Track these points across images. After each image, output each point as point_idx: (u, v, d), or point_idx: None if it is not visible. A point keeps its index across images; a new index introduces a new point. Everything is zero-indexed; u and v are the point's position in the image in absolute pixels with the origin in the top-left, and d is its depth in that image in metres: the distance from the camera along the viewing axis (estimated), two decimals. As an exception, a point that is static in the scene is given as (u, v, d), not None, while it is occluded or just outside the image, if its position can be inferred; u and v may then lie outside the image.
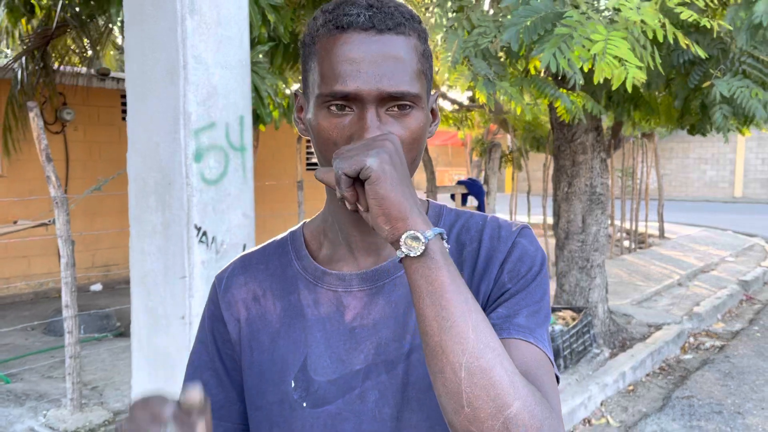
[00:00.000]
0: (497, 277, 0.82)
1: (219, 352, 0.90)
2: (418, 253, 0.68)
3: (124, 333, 5.42)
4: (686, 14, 2.33)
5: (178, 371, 2.39)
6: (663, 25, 2.35)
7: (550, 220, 6.80)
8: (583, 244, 5.25)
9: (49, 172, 3.67)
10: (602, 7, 2.42)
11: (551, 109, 4.82)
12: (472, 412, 0.66)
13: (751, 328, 6.27)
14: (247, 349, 0.87)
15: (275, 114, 3.86)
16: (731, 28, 3.07)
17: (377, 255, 0.86)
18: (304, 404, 0.82)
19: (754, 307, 7.15)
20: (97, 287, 7.40)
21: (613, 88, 2.48)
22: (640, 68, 2.45)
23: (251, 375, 0.87)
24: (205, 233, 2.39)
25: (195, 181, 2.35)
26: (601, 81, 2.61)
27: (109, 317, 5.63)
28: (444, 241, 0.71)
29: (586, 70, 2.66)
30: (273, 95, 3.70)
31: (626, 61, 2.34)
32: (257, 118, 3.71)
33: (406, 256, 0.69)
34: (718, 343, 5.78)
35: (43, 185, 3.74)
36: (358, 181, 0.70)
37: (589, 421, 4.12)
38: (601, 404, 4.36)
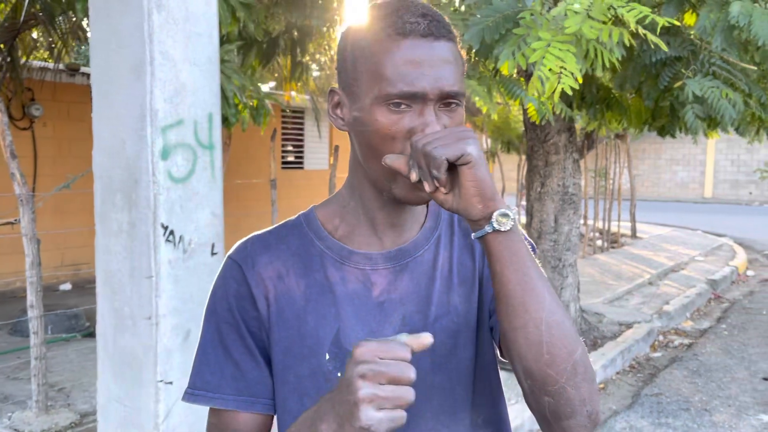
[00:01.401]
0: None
1: (249, 330, 0.93)
2: (508, 228, 0.79)
3: (93, 333, 5.32)
4: (634, 13, 2.31)
5: (144, 372, 2.35)
6: (611, 31, 2.34)
7: (523, 219, 6.85)
8: (555, 243, 5.29)
9: (13, 169, 3.58)
10: (552, 13, 2.40)
11: (524, 109, 4.85)
12: (550, 358, 0.78)
13: (719, 327, 6.39)
14: (275, 326, 0.91)
15: (244, 114, 3.82)
16: (691, 30, 3.09)
17: (399, 237, 0.94)
18: (339, 374, 0.88)
19: (722, 305, 7.28)
20: (66, 286, 7.26)
21: (545, 96, 2.49)
22: (594, 70, 2.46)
23: (278, 351, 0.91)
24: (172, 232, 2.35)
25: (162, 180, 2.31)
26: (535, 93, 2.62)
27: (77, 317, 5.53)
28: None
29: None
30: (240, 95, 3.66)
31: (564, 68, 2.31)
32: (223, 120, 3.66)
33: (495, 230, 0.79)
34: (686, 341, 5.87)
35: (9, 182, 3.66)
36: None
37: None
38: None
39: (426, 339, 0.80)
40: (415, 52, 0.83)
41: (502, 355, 0.93)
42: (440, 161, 0.77)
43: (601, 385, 4.72)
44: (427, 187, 0.80)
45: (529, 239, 0.95)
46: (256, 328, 0.93)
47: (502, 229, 0.79)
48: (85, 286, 7.16)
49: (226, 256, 0.97)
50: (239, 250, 0.96)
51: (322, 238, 0.95)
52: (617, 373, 5.00)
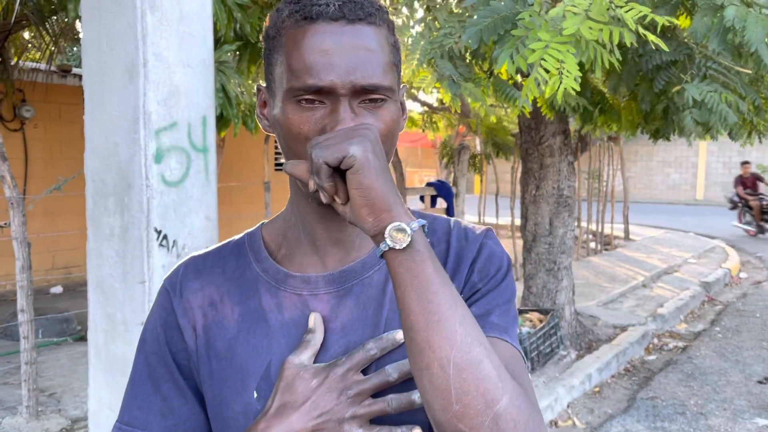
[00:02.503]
0: (467, 277, 0.82)
1: (177, 363, 0.84)
2: (404, 245, 0.67)
3: (84, 337, 5.27)
4: (633, 13, 2.29)
5: (136, 379, 2.31)
6: (611, 31, 2.33)
7: (518, 222, 6.83)
8: (550, 246, 5.28)
9: (3, 172, 3.54)
10: (551, 14, 2.38)
11: (521, 114, 4.84)
12: (461, 409, 0.64)
13: (713, 329, 6.39)
14: (205, 358, 0.82)
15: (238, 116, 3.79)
16: (684, 26, 3.08)
17: (344, 255, 0.83)
18: None
19: (715, 308, 7.29)
20: (58, 290, 7.20)
21: (546, 95, 2.47)
22: (592, 73, 2.44)
23: (212, 385, 0.82)
24: (165, 237, 2.31)
25: (155, 183, 2.28)
26: (528, 99, 2.59)
27: (69, 321, 5.47)
28: (425, 234, 0.70)
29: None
30: (240, 96, 3.63)
31: (564, 69, 2.28)
32: (224, 119, 3.63)
33: (391, 248, 0.67)
34: (681, 344, 5.87)
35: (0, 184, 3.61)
36: (336, 171, 0.68)
37: (555, 423, 4.14)
38: (568, 406, 4.38)
39: (398, 335, 0.76)
40: (323, 39, 0.72)
41: None
42: (318, 165, 0.67)
43: (596, 389, 4.71)
44: (322, 198, 0.69)
45: (508, 255, 0.86)
46: (185, 360, 0.84)
47: (397, 247, 0.66)
48: (77, 289, 7.10)
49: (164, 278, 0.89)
50: (172, 274, 0.87)
51: (260, 260, 0.85)
52: (612, 376, 4.99)
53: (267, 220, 0.91)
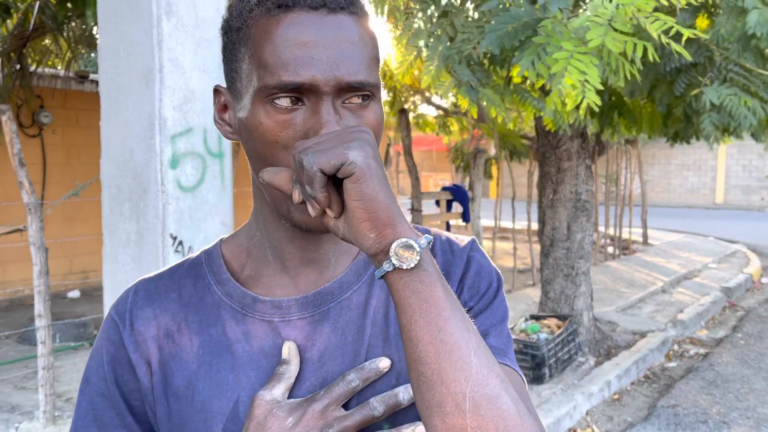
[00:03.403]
0: (457, 295, 0.73)
1: (128, 405, 0.73)
2: (412, 265, 0.58)
3: (101, 342, 5.29)
4: (658, 24, 2.24)
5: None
6: (635, 44, 2.29)
7: (534, 226, 6.78)
8: (568, 251, 5.22)
9: (21, 178, 3.56)
10: (574, 24, 2.34)
11: (537, 117, 4.80)
12: None
13: (735, 336, 6.28)
14: (162, 397, 0.72)
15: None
16: (707, 37, 3.04)
17: (318, 275, 0.74)
18: None
19: (737, 314, 7.17)
20: (75, 294, 7.25)
21: (568, 109, 2.42)
22: (604, 90, 2.41)
23: (171, 427, 0.71)
24: (181, 242, 2.30)
25: (171, 189, 2.27)
26: (552, 109, 2.54)
27: (86, 325, 5.50)
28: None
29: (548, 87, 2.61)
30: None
31: (587, 82, 2.24)
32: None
33: (396, 269, 0.58)
34: (702, 350, 5.77)
35: (18, 190, 3.63)
36: (330, 180, 0.59)
37: (574, 431, 4.08)
38: (587, 414, 4.31)
39: (381, 363, 0.69)
40: (302, 30, 0.63)
41: None
42: (312, 173, 0.57)
43: (616, 396, 4.64)
44: (311, 211, 0.60)
45: (497, 268, 0.77)
46: (138, 400, 0.73)
47: (405, 267, 0.58)
48: (94, 294, 7.14)
49: (111, 306, 0.78)
50: (120, 302, 0.77)
51: (221, 281, 0.74)
52: (632, 383, 4.92)
53: (226, 237, 0.80)
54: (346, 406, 0.69)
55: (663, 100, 4.15)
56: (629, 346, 5.41)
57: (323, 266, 0.74)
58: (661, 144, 19.92)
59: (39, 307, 3.65)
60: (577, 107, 2.51)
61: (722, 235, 12.95)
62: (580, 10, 2.38)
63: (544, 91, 3.92)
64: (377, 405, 0.68)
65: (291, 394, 0.69)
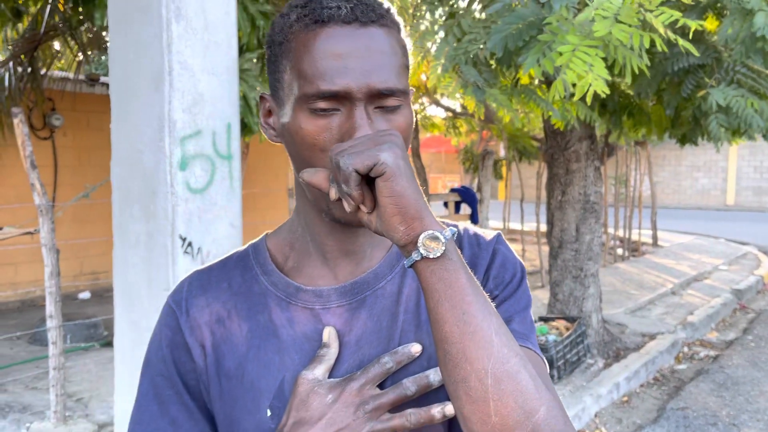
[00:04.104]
0: (483, 284, 0.80)
1: (185, 384, 0.81)
2: (438, 255, 0.65)
3: (111, 342, 5.32)
4: (664, 17, 2.23)
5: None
6: (641, 36, 2.28)
7: (543, 228, 6.76)
8: (576, 253, 5.21)
9: (33, 180, 3.59)
10: (579, 18, 2.34)
11: (546, 117, 4.79)
12: (500, 421, 0.63)
13: (745, 338, 6.24)
14: (215, 377, 0.79)
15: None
16: (712, 31, 3.02)
17: (355, 266, 0.81)
18: None
19: (747, 316, 7.12)
20: (86, 295, 7.30)
21: (576, 98, 2.42)
22: (613, 77, 2.40)
23: (223, 405, 0.79)
24: (190, 244, 2.32)
25: (180, 190, 2.29)
26: (557, 97, 2.55)
27: (96, 326, 5.54)
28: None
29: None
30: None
31: (593, 71, 2.24)
32: (245, 127, 3.65)
33: (423, 258, 0.65)
34: (712, 352, 5.74)
35: (29, 192, 3.67)
36: (363, 179, 0.66)
37: (583, 434, 4.07)
38: (596, 416, 4.30)
39: (413, 348, 0.75)
40: (336, 42, 0.70)
41: None
42: (348, 173, 0.64)
43: (625, 398, 4.62)
44: (347, 207, 0.67)
45: (521, 261, 0.84)
46: (194, 380, 0.81)
47: (431, 256, 0.65)
48: (104, 295, 7.19)
49: (168, 296, 0.86)
50: (176, 291, 0.84)
51: (267, 272, 0.82)
52: (641, 385, 4.90)
53: (271, 231, 0.88)
54: (381, 386, 0.75)
55: (671, 103, 4.13)
56: (638, 348, 5.39)
57: (359, 258, 0.81)
58: (671, 145, 19.81)
59: (50, 308, 3.68)
60: (583, 98, 2.50)
61: (733, 237, 12.86)
62: (586, 8, 2.37)
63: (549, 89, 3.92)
64: (410, 385, 0.74)
65: (331, 375, 0.76)
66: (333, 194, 0.68)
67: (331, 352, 0.76)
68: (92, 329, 5.51)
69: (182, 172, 2.30)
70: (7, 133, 5.87)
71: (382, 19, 0.73)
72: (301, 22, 0.72)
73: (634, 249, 10.40)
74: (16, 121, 3.53)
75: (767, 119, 3.72)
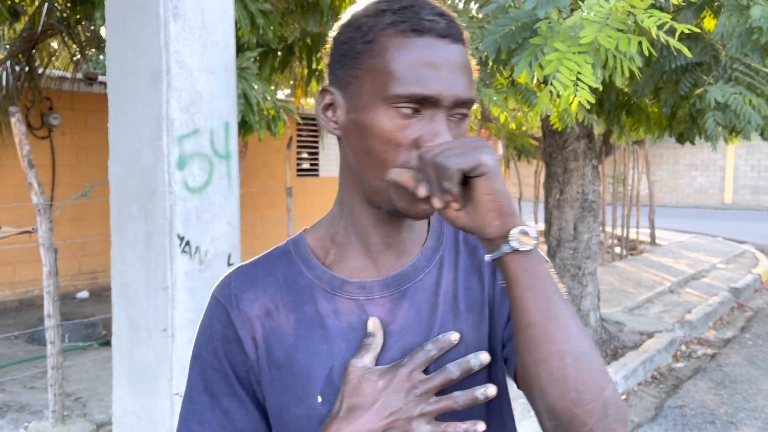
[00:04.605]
0: None
1: (236, 375, 0.85)
2: (530, 248, 0.72)
3: (109, 342, 5.31)
4: (653, 20, 2.24)
5: (159, 385, 2.32)
6: (629, 40, 2.28)
7: (541, 227, 6.77)
8: (575, 251, 5.22)
9: (31, 179, 3.59)
10: (568, 23, 2.34)
11: (544, 117, 4.79)
12: (577, 395, 0.70)
13: (743, 336, 6.25)
14: (266, 367, 0.84)
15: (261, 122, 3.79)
16: (701, 32, 3.02)
17: (395, 260, 0.86)
18: None
19: (745, 314, 7.13)
20: (84, 294, 7.29)
21: (561, 107, 2.43)
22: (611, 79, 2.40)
23: (274, 392, 0.83)
24: (188, 243, 2.32)
25: (178, 190, 2.29)
26: (542, 112, 2.55)
27: (94, 325, 5.54)
28: None
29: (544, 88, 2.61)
30: (262, 102, 3.63)
31: (580, 81, 2.24)
32: (245, 125, 3.64)
33: (514, 250, 0.72)
34: (710, 351, 5.75)
35: (27, 191, 3.66)
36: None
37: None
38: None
39: (453, 336, 0.80)
40: (432, 53, 0.76)
41: (518, 388, 0.84)
42: (452, 172, 0.70)
43: (623, 396, 4.63)
44: (437, 203, 0.72)
45: (545, 257, 0.90)
46: (244, 371, 0.85)
47: (522, 249, 0.71)
48: (102, 294, 7.19)
49: (211, 294, 0.89)
50: (223, 287, 0.88)
51: (311, 266, 0.86)
52: (639, 384, 4.90)
53: (308, 227, 0.92)
54: (425, 372, 0.80)
55: (668, 101, 4.13)
56: (636, 347, 5.39)
57: (400, 252, 0.86)
58: (668, 144, 19.84)
59: (48, 307, 3.68)
60: (573, 106, 2.50)
61: (730, 236, 12.88)
62: (575, 12, 2.38)
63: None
64: (454, 369, 0.79)
65: (377, 362, 0.81)
66: (423, 192, 0.73)
67: (377, 341, 0.81)
68: (90, 328, 5.50)
69: (180, 171, 2.30)
70: (5, 132, 5.85)
71: (463, 38, 0.80)
72: (396, 27, 0.77)
73: (632, 247, 10.42)
74: (13, 120, 3.53)
75: (764, 116, 3.72)
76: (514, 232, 0.71)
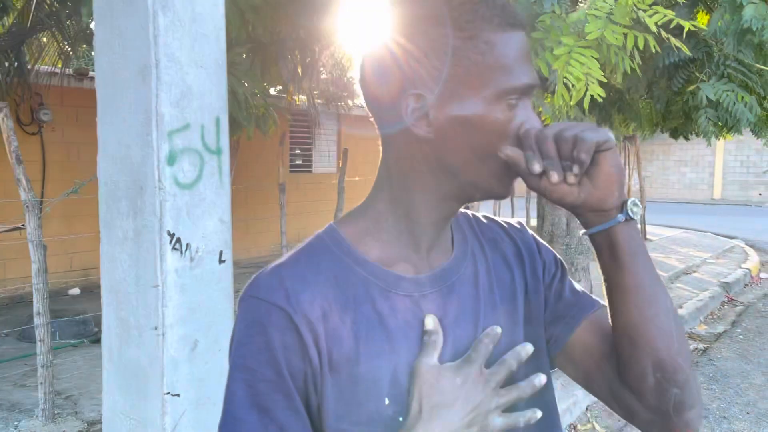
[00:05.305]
0: (544, 265, 0.95)
1: (295, 386, 0.78)
2: (638, 217, 0.80)
3: (100, 339, 5.28)
4: (657, 17, 2.23)
5: (150, 384, 2.29)
6: (636, 37, 2.27)
7: (534, 222, 6.77)
8: (567, 247, 5.22)
9: (19, 175, 3.55)
10: (572, 18, 2.32)
11: (537, 113, 4.78)
12: (680, 347, 0.80)
13: (734, 331, 6.28)
14: (327, 372, 0.78)
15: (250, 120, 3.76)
16: (705, 28, 3.03)
17: (440, 254, 0.87)
18: (401, 419, 0.78)
19: (736, 309, 7.17)
20: (75, 291, 7.24)
21: (572, 102, 2.41)
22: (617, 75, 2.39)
23: (329, 400, 0.78)
24: (179, 240, 2.29)
25: (168, 186, 2.26)
26: (561, 102, 2.54)
27: (86, 323, 5.50)
28: None
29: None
30: (251, 99, 3.60)
31: (589, 75, 2.23)
32: (234, 123, 3.61)
33: (627, 220, 0.79)
34: (701, 345, 5.77)
35: (17, 188, 3.62)
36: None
37: (575, 427, 4.08)
38: (587, 409, 4.31)
39: (497, 329, 0.83)
40: (523, 44, 0.80)
41: (556, 367, 0.93)
42: (590, 145, 0.75)
43: (615, 392, 4.63)
44: (556, 177, 0.76)
45: None
46: (302, 381, 0.78)
47: (634, 218, 0.79)
48: (94, 291, 7.13)
49: (249, 296, 0.80)
50: (273, 288, 0.79)
51: (360, 262, 0.82)
52: (631, 379, 4.91)
53: (336, 222, 0.87)
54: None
55: (661, 98, 4.13)
56: (628, 342, 5.40)
57: (444, 247, 0.88)
58: (659, 140, 19.90)
59: (37, 305, 3.64)
60: (580, 101, 2.49)
61: (720, 231, 12.94)
62: (579, 5, 2.36)
63: (543, 88, 3.91)
64: (512, 361, 0.81)
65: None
66: (537, 168, 0.76)
67: (439, 338, 0.81)
68: (82, 326, 5.46)
69: (170, 167, 2.27)
70: (-7, 128, 5.79)
71: None
72: (493, 22, 0.78)
73: (624, 243, 10.43)
74: (0, 115, 3.49)
75: (756, 114, 3.73)
76: (628, 203, 0.79)
